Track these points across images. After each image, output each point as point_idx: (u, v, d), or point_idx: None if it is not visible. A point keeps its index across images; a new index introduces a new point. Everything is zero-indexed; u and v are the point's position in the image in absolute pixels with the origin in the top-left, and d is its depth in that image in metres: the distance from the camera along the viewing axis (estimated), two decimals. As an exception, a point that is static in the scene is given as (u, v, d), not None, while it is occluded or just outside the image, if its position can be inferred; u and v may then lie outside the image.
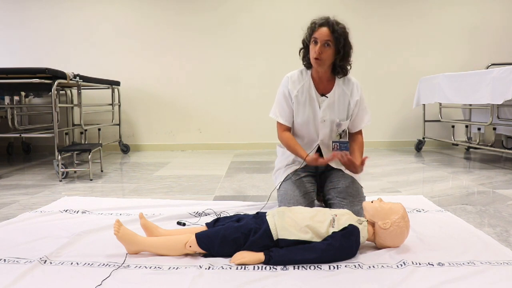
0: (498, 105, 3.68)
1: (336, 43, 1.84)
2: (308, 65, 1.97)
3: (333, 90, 1.95)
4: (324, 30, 1.82)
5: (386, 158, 4.07)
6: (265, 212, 1.59)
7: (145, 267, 1.40)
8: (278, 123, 2.03)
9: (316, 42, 1.84)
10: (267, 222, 1.49)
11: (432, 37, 4.84)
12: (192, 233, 1.50)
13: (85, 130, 4.25)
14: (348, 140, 2.05)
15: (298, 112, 1.98)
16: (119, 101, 4.71)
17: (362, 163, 1.82)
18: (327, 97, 1.95)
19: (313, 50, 1.85)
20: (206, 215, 2.03)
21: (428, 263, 1.42)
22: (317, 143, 2.00)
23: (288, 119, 2.00)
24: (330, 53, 1.85)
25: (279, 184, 2.04)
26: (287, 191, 1.95)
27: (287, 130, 2.01)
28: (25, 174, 3.41)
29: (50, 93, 3.24)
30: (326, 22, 1.83)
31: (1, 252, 1.54)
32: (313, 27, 1.86)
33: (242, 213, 1.76)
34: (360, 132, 2.06)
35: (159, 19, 4.84)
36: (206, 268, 1.38)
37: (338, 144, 1.98)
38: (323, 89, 1.97)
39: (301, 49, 1.98)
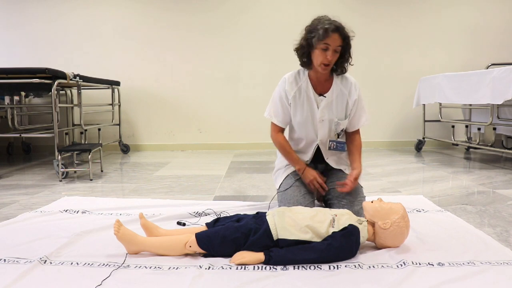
0: (498, 105, 3.68)
1: (344, 48, 1.84)
2: (306, 65, 1.94)
3: (331, 90, 1.95)
4: (336, 36, 1.78)
5: (386, 158, 4.07)
6: (265, 212, 1.59)
7: (145, 267, 1.40)
8: (273, 123, 2.03)
9: (327, 49, 1.80)
10: (267, 222, 1.49)
11: (432, 37, 4.84)
12: (192, 233, 1.50)
13: (85, 130, 4.26)
14: (346, 141, 2.05)
15: (296, 113, 1.97)
16: (119, 101, 4.71)
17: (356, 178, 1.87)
18: (325, 96, 1.95)
19: (323, 56, 1.81)
20: (206, 215, 2.03)
21: (428, 263, 1.42)
22: (317, 143, 2.00)
23: (282, 120, 2.00)
24: (336, 57, 1.85)
25: (279, 185, 2.04)
26: (287, 191, 1.95)
27: (281, 132, 2.03)
28: (25, 174, 3.41)
29: (50, 93, 3.24)
30: (336, 28, 1.79)
31: (1, 252, 1.54)
32: (325, 33, 1.77)
33: (242, 213, 1.76)
34: (357, 131, 2.05)
35: (159, 19, 4.84)
36: (206, 268, 1.38)
37: (335, 143, 1.99)
38: (321, 89, 1.96)
39: (299, 48, 1.92)
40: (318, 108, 1.95)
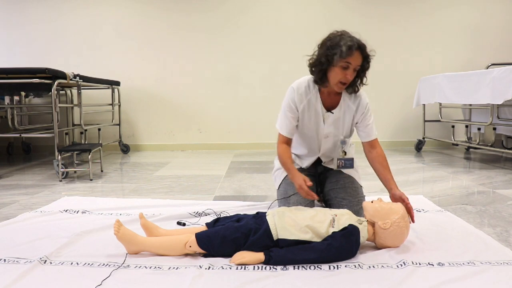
0: (498, 105, 3.68)
1: (362, 68, 1.77)
2: (322, 83, 1.80)
3: (339, 106, 1.88)
4: (358, 55, 1.70)
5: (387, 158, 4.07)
6: (265, 212, 1.59)
7: (145, 267, 1.40)
8: (280, 137, 1.92)
9: (347, 67, 1.70)
10: (267, 222, 1.49)
11: (432, 37, 4.84)
12: (192, 233, 1.50)
13: (85, 130, 4.26)
14: (368, 159, 1.94)
15: (302, 125, 1.93)
16: (119, 101, 4.71)
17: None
18: (332, 113, 1.88)
19: (342, 74, 1.71)
20: (206, 215, 2.03)
21: (428, 263, 1.42)
22: (318, 155, 2.00)
23: (289, 132, 1.90)
24: (354, 76, 1.77)
25: (278, 185, 2.04)
26: (286, 191, 1.95)
27: (285, 142, 1.91)
28: (25, 174, 3.41)
29: (50, 93, 3.24)
30: (359, 46, 1.70)
31: (1, 252, 1.54)
32: (349, 51, 1.66)
33: (242, 213, 1.76)
34: (376, 143, 1.92)
35: (159, 20, 4.84)
36: (206, 268, 1.38)
37: (343, 161, 1.96)
38: (330, 104, 1.89)
39: (316, 65, 1.77)
40: (324, 124, 1.89)
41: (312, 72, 1.82)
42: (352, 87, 1.82)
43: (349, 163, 1.97)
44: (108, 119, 4.74)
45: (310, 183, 1.69)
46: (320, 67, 1.75)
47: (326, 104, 1.88)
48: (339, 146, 1.96)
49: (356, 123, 1.93)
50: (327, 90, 1.85)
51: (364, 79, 1.82)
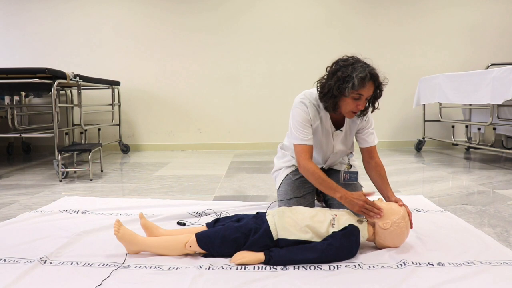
0: (498, 105, 3.68)
1: (375, 96, 1.74)
2: (332, 110, 1.76)
3: (346, 123, 1.90)
4: (370, 85, 1.66)
5: (386, 158, 4.07)
6: (265, 212, 1.59)
7: (145, 267, 1.40)
8: (300, 150, 1.79)
9: (359, 98, 1.67)
10: (267, 222, 1.49)
11: (432, 37, 4.84)
12: (192, 233, 1.50)
13: (85, 130, 4.25)
14: (367, 169, 1.91)
15: (313, 141, 1.89)
16: (119, 101, 4.71)
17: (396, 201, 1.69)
18: (341, 130, 1.89)
19: (354, 105, 1.69)
20: (206, 215, 2.03)
21: (428, 263, 1.42)
22: (322, 166, 2.00)
23: (310, 139, 1.81)
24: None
25: (279, 185, 2.04)
26: (287, 191, 1.95)
27: (311, 158, 1.79)
28: (25, 174, 3.41)
29: (50, 93, 3.24)
30: (372, 76, 1.65)
31: (1, 252, 1.54)
32: (361, 83, 1.63)
33: (242, 213, 1.76)
34: (375, 152, 1.90)
35: (159, 19, 4.84)
36: (206, 268, 1.38)
37: (348, 174, 1.96)
38: (337, 120, 1.88)
39: (327, 93, 1.71)
40: (333, 140, 1.91)
41: (322, 100, 1.77)
42: (363, 112, 1.80)
43: (354, 176, 1.97)
44: (108, 119, 4.74)
45: (370, 193, 1.63)
46: (332, 98, 1.71)
47: (333, 121, 1.88)
48: (344, 158, 1.98)
49: (358, 130, 1.93)
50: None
51: (376, 104, 1.78)
